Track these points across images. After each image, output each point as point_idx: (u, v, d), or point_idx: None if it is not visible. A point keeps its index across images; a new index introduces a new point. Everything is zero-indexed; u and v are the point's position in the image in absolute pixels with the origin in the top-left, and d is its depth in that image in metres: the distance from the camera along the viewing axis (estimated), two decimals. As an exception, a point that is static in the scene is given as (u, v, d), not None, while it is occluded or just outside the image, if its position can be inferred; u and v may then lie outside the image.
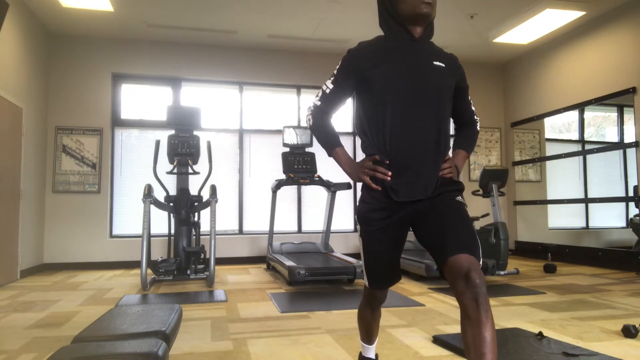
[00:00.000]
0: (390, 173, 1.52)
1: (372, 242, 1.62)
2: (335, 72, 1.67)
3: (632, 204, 6.24)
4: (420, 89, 1.55)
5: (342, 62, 1.64)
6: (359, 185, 1.68)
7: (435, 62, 1.58)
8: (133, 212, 6.26)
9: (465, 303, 1.31)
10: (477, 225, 5.14)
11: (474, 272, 1.31)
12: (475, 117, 1.78)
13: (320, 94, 1.69)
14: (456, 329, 2.89)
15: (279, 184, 5.46)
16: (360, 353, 1.98)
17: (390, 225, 1.57)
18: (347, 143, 7.22)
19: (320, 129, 1.69)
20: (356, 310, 1.95)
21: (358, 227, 1.67)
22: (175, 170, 5.14)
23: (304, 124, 6.96)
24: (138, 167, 6.39)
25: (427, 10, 1.52)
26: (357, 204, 1.67)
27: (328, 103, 1.68)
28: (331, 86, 1.66)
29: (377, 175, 1.53)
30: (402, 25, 1.58)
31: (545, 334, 2.67)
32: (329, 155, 1.69)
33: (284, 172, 5.51)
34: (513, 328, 2.87)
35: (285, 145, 5.66)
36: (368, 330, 1.88)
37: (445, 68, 1.59)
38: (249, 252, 6.60)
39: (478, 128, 1.80)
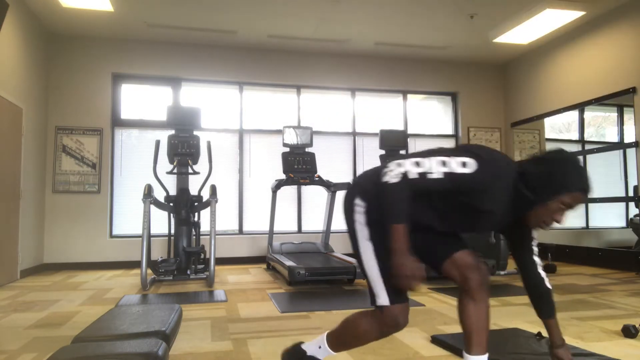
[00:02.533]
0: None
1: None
2: (462, 168, 1.47)
3: (632, 204, 6.23)
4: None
5: (479, 175, 1.48)
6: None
7: None
8: (133, 212, 6.26)
9: (473, 286, 1.57)
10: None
11: (482, 264, 1.60)
12: None
13: (423, 172, 1.47)
14: (456, 328, 2.88)
15: (279, 184, 5.46)
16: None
17: None
18: (347, 143, 7.22)
19: (398, 195, 1.46)
20: (357, 311, 1.72)
21: (361, 229, 1.59)
22: (175, 170, 5.14)
23: (304, 123, 6.96)
24: (138, 167, 6.38)
25: (545, 228, 1.61)
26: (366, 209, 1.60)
27: (418, 187, 1.47)
28: (441, 177, 1.47)
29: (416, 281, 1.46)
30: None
31: (544, 334, 2.66)
32: (390, 223, 1.46)
33: (284, 172, 5.51)
34: (513, 328, 2.87)
35: (285, 145, 5.65)
36: (357, 345, 1.73)
37: None
38: (249, 252, 6.60)
39: None
